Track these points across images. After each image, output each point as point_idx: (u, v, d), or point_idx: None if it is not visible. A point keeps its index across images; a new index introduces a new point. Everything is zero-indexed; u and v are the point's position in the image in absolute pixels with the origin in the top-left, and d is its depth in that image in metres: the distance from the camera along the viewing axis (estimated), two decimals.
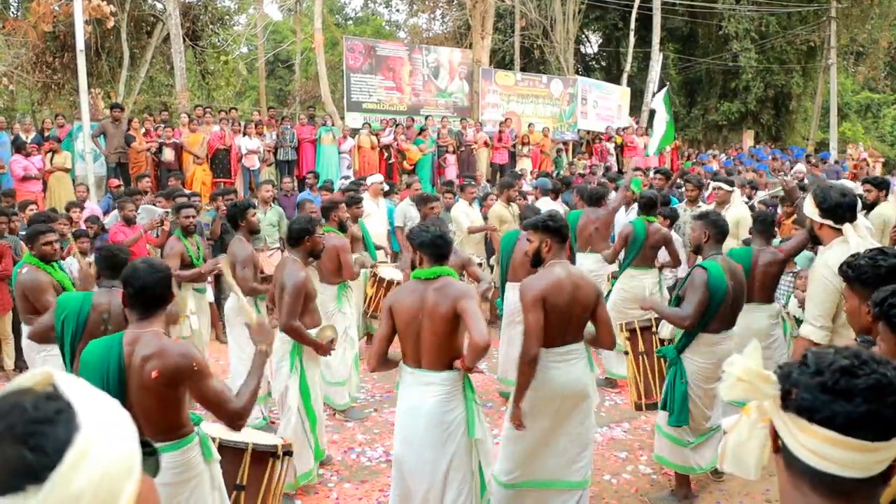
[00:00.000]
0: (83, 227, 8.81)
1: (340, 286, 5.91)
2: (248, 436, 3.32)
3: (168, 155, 11.80)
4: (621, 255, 6.46)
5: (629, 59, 22.68)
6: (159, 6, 20.96)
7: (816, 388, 1.12)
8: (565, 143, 18.13)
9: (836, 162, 18.52)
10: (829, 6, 24.58)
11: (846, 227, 3.37)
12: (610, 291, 6.36)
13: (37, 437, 0.81)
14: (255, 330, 2.93)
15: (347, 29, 30.91)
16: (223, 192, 8.61)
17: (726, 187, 7.22)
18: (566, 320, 3.57)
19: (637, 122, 20.74)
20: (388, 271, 6.61)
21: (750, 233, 5.32)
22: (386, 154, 13.94)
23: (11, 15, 19.06)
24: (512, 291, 5.82)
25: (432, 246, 3.39)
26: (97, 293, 3.74)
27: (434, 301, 3.31)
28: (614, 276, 6.60)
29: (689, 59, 26.90)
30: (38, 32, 14.57)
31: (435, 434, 3.35)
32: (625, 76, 22.66)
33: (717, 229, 4.20)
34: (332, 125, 14.02)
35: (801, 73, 26.03)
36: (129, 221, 7.59)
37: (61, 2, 14.66)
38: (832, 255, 3.31)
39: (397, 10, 32.98)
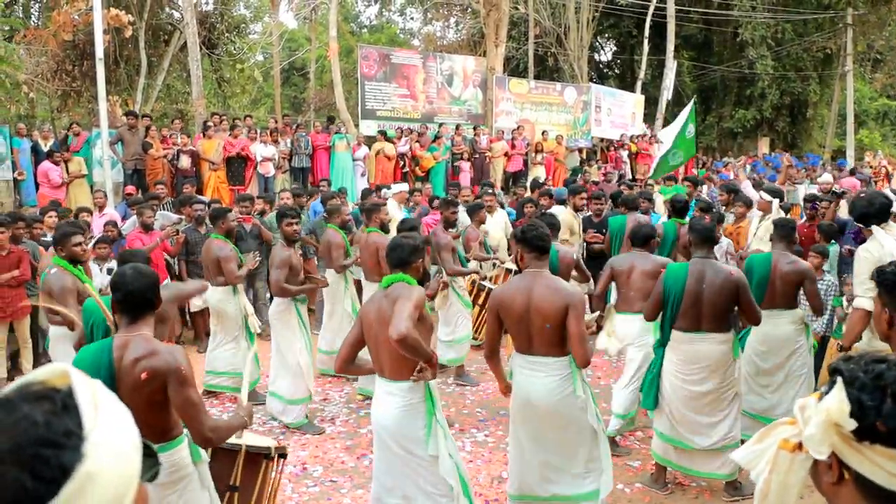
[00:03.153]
0: (96, 232, 8.95)
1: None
2: (243, 437, 3.33)
3: (184, 162, 11.91)
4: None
5: (643, 66, 22.65)
6: (176, 15, 21.22)
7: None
8: (579, 151, 18.12)
9: (854, 169, 18.36)
10: (846, 13, 24.47)
11: (874, 227, 4.23)
12: None
13: (41, 464, 0.79)
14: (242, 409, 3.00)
15: (362, 37, 31.08)
16: (240, 198, 8.69)
17: (767, 197, 7.37)
18: (525, 329, 3.63)
19: (651, 130, 20.71)
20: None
21: (771, 239, 5.35)
22: (401, 162, 14.00)
23: (32, 24, 19.33)
24: None
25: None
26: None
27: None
28: None
29: (703, 66, 26.83)
30: (58, 41, 14.77)
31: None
32: (639, 84, 22.63)
33: (696, 234, 4.52)
34: (346, 133, 14.10)
35: (818, 80, 25.89)
36: (147, 228, 7.67)
37: (81, 11, 14.84)
38: (868, 244, 4.22)
39: (411, 19, 33.16)
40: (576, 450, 3.65)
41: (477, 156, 14.84)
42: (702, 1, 24.49)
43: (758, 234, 6.83)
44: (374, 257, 6.10)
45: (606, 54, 31.67)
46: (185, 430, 2.77)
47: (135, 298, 2.69)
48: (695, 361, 4.34)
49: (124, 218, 9.59)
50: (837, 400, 1.12)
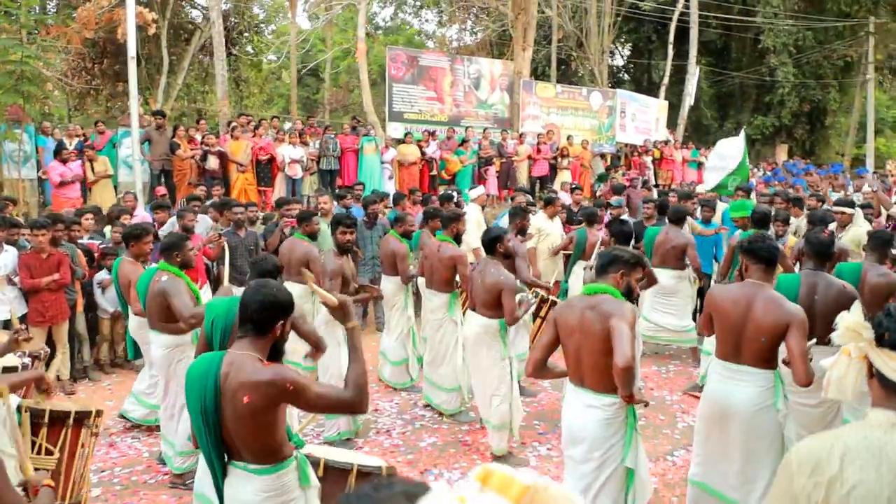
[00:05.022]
0: None
1: (452, 294, 6.03)
2: (353, 457, 3.33)
3: (212, 163, 11.72)
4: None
5: (667, 71, 22.49)
6: (194, 13, 21.09)
7: None
8: (604, 157, 17.95)
9: (881, 177, 18.20)
10: (868, 21, 24.31)
11: None
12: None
13: None
14: (337, 308, 2.75)
15: (378, 39, 30.94)
16: (283, 202, 8.50)
17: (849, 210, 7.22)
18: (735, 337, 3.60)
19: (673, 136, 20.53)
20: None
21: (864, 250, 5.19)
22: (429, 166, 13.81)
23: (50, 22, 19.22)
24: None
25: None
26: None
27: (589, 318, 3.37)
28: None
29: (721, 72, 26.65)
30: (80, 38, 14.60)
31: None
32: (662, 89, 22.45)
33: (811, 247, 4.43)
34: (375, 135, 13.91)
35: (838, 87, 25.72)
36: (188, 231, 7.44)
37: (104, 9, 14.67)
38: None
39: (426, 21, 33.00)
40: (763, 462, 3.55)
41: (504, 160, 14.64)
42: (722, 7, 24.33)
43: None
44: (449, 270, 5.89)
45: (622, 58, 31.50)
46: (295, 453, 2.69)
47: (246, 312, 2.61)
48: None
49: (153, 219, 9.43)
50: (856, 314, 1.88)
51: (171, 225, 8.11)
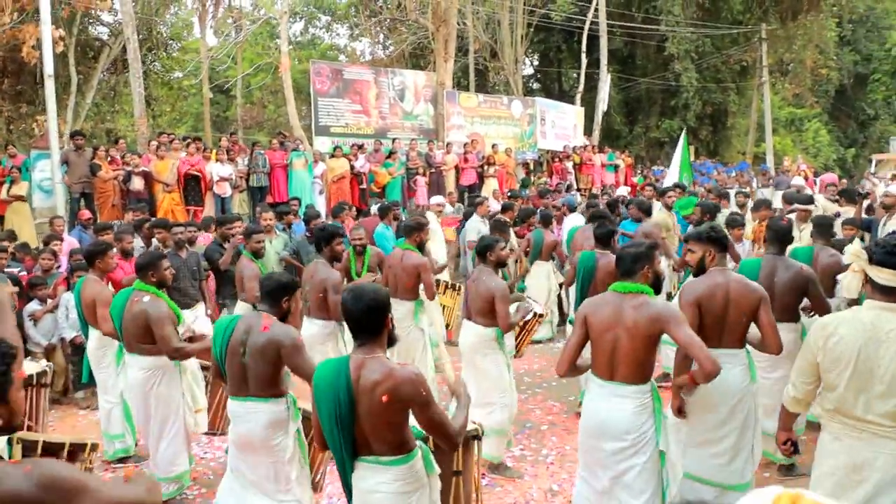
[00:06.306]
0: (64, 261, 8.36)
1: (417, 302, 6.01)
2: None
3: (137, 183, 11.31)
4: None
5: (581, 79, 23.21)
6: (101, 30, 20.30)
7: (882, 253, 2.73)
8: (526, 164, 18.35)
9: (780, 172, 19.38)
10: (759, 28, 25.88)
11: None
12: None
13: None
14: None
15: (290, 55, 30.54)
16: (225, 220, 8.29)
17: (809, 207, 7.85)
18: (719, 323, 3.83)
19: (590, 141, 21.22)
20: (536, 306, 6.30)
21: (812, 235, 5.66)
22: (358, 179, 13.76)
23: None
24: None
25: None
26: (244, 317, 3.72)
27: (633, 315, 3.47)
28: None
29: (629, 78, 27.71)
30: None
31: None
32: (578, 96, 23.15)
33: (772, 233, 4.81)
34: (304, 150, 13.75)
35: (736, 90, 27.21)
36: (127, 254, 7.17)
37: (6, 26, 13.95)
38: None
39: (338, 35, 32.84)
40: (743, 436, 3.84)
41: (432, 170, 14.75)
42: (626, 17, 25.32)
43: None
44: (412, 278, 5.91)
45: (531, 68, 32.26)
46: (419, 444, 2.91)
47: (357, 322, 2.75)
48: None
49: (81, 243, 9.02)
50: (856, 246, 2.88)
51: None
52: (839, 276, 4.57)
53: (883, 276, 2.71)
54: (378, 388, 2.62)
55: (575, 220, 8.45)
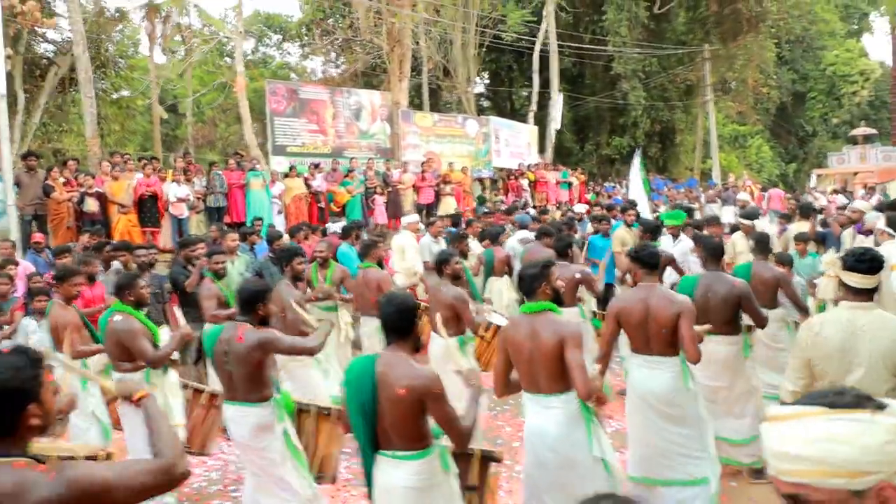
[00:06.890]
0: (20, 285, 8.16)
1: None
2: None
3: (91, 205, 11.09)
4: None
5: (534, 98, 23.64)
6: (46, 47, 19.88)
7: (852, 261, 3.12)
8: (482, 181, 18.58)
9: (727, 188, 20.03)
10: (702, 49, 26.81)
11: None
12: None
13: None
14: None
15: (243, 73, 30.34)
16: (188, 242, 8.21)
17: (747, 222, 8.26)
18: (643, 332, 4.11)
19: (544, 159, 21.61)
20: (497, 317, 6.41)
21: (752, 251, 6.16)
22: (316, 199, 13.77)
23: None
24: None
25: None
26: (226, 327, 3.94)
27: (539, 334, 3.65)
28: None
29: (578, 97, 28.33)
30: None
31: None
32: (531, 115, 23.56)
33: (708, 250, 5.05)
34: (261, 169, 13.70)
35: (683, 108, 28.06)
36: (91, 279, 7.06)
37: None
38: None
39: (289, 54, 32.79)
40: (689, 436, 4.06)
41: (390, 189, 14.84)
42: (574, 37, 25.93)
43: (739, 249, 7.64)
44: (376, 294, 5.96)
45: (482, 86, 32.69)
46: (436, 442, 3.06)
47: (388, 323, 3.03)
48: (708, 362, 4.63)
49: (36, 267, 8.83)
50: (833, 255, 3.63)
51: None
52: (816, 280, 5.56)
53: (854, 279, 3.12)
54: (397, 382, 2.84)
55: (522, 236, 8.65)
